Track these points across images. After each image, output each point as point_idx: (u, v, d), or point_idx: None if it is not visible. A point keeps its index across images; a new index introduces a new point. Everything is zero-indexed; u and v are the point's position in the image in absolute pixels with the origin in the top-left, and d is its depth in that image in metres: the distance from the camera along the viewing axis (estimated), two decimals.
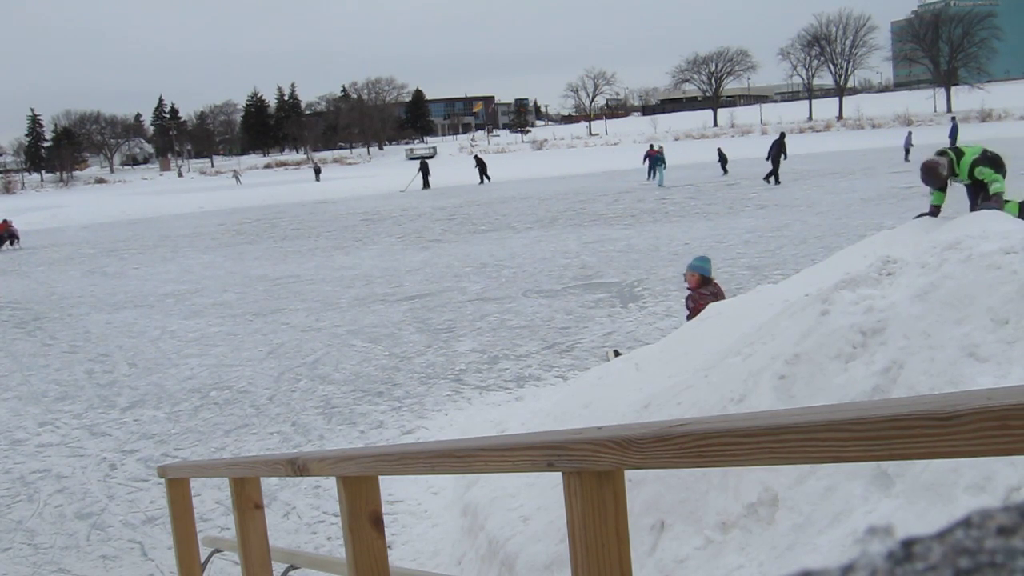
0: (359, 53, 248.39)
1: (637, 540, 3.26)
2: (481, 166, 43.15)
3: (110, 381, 10.75)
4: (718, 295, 8.26)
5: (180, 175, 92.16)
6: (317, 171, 64.38)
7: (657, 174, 33.90)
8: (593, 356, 9.92)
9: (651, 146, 39.25)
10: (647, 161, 35.90)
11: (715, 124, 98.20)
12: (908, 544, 0.36)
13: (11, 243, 29.64)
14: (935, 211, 7.18)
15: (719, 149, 37.51)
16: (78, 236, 32.11)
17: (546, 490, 4.43)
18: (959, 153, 7.31)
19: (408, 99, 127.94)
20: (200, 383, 10.27)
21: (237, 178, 69.09)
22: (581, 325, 11.64)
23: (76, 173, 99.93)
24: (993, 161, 7.17)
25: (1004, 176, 7.15)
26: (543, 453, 1.76)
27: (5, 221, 30.80)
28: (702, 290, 8.15)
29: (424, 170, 43.25)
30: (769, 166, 30.07)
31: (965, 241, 3.94)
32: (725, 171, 35.29)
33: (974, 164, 7.15)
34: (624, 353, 8.62)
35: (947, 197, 7.33)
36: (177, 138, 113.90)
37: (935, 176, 7.27)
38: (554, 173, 48.01)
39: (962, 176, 7.27)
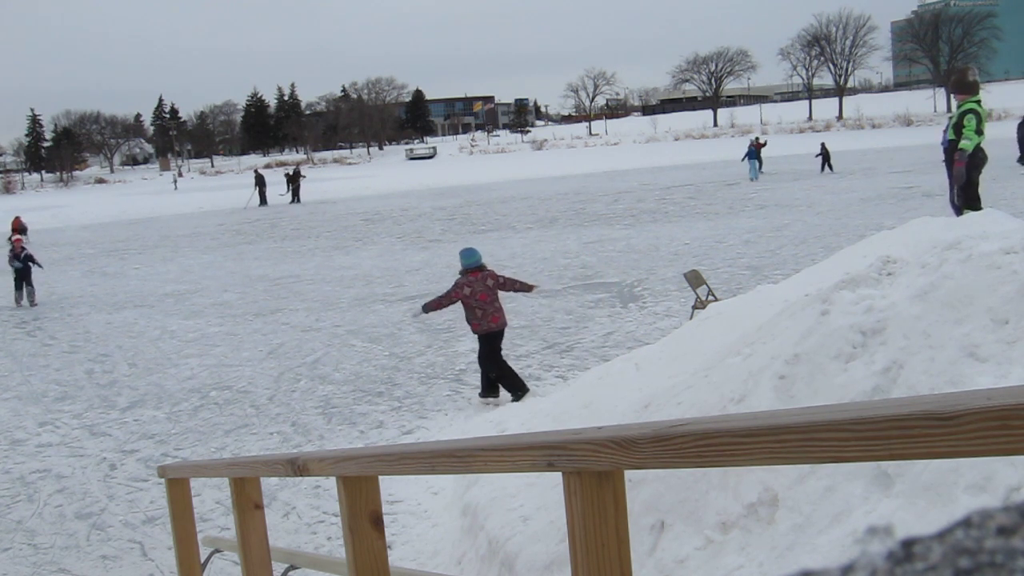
0: (359, 53, 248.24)
1: (637, 540, 3.26)
2: (295, 183, 39.66)
3: (110, 381, 10.74)
4: (477, 282, 8.60)
5: (180, 175, 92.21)
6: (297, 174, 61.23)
7: (752, 167, 33.04)
8: (593, 356, 9.92)
9: (757, 139, 37.85)
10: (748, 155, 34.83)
11: (715, 124, 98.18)
12: (908, 544, 0.36)
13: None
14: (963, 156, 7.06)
15: (823, 144, 35.30)
16: (78, 236, 32.11)
17: (546, 490, 4.43)
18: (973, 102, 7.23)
19: (408, 99, 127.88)
20: (200, 383, 10.27)
21: (175, 182, 67.24)
22: (581, 325, 11.64)
23: (76, 173, 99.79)
24: (980, 119, 7.12)
25: (973, 198, 7.07)
26: (543, 453, 1.76)
27: (17, 218, 31.04)
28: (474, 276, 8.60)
29: (260, 185, 39.99)
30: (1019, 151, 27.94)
31: (965, 241, 3.94)
32: (830, 167, 32.97)
33: (969, 111, 7.08)
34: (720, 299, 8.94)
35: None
36: (177, 138, 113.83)
37: (963, 82, 7.26)
38: (554, 173, 48.04)
39: (952, 120, 7.24)
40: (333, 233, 25.96)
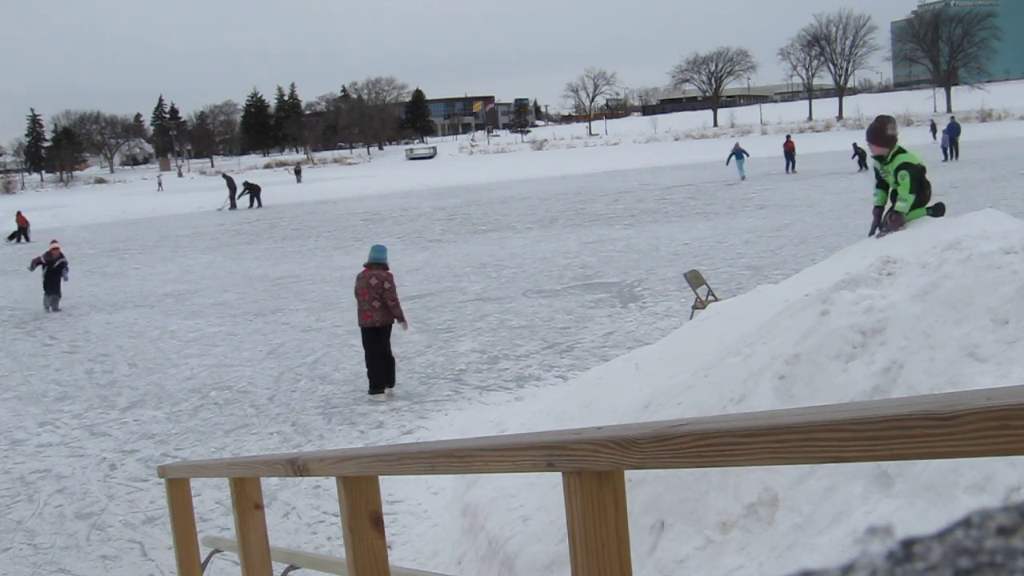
0: (359, 53, 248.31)
1: (637, 540, 3.26)
2: (254, 191, 40.14)
3: (110, 381, 10.74)
4: (363, 279, 9.18)
5: (180, 175, 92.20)
6: (297, 172, 61.41)
7: (739, 167, 32.98)
8: (593, 356, 9.91)
9: (788, 138, 37.08)
10: (785, 154, 34.85)
11: (715, 124, 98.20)
12: (908, 544, 0.36)
13: (19, 240, 30.12)
14: (879, 213, 6.77)
15: (855, 144, 33.45)
16: (78, 236, 32.09)
17: (546, 490, 4.43)
18: (899, 150, 6.76)
19: (408, 99, 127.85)
20: (200, 383, 10.27)
21: (160, 184, 66.98)
22: (581, 325, 11.64)
23: (76, 173, 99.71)
24: (920, 182, 6.60)
25: (920, 204, 6.57)
26: (543, 453, 1.76)
27: (20, 213, 31.47)
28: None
29: (231, 189, 40.14)
30: None
31: (965, 241, 3.94)
32: (864, 166, 31.60)
33: (903, 166, 6.60)
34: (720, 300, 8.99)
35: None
36: (177, 138, 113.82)
37: (881, 134, 6.79)
38: (554, 173, 48.02)
39: (888, 170, 6.74)
40: (333, 233, 25.96)
